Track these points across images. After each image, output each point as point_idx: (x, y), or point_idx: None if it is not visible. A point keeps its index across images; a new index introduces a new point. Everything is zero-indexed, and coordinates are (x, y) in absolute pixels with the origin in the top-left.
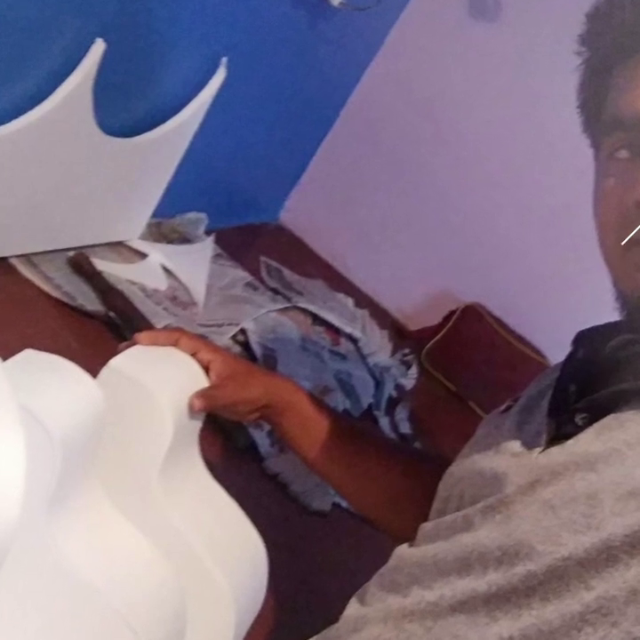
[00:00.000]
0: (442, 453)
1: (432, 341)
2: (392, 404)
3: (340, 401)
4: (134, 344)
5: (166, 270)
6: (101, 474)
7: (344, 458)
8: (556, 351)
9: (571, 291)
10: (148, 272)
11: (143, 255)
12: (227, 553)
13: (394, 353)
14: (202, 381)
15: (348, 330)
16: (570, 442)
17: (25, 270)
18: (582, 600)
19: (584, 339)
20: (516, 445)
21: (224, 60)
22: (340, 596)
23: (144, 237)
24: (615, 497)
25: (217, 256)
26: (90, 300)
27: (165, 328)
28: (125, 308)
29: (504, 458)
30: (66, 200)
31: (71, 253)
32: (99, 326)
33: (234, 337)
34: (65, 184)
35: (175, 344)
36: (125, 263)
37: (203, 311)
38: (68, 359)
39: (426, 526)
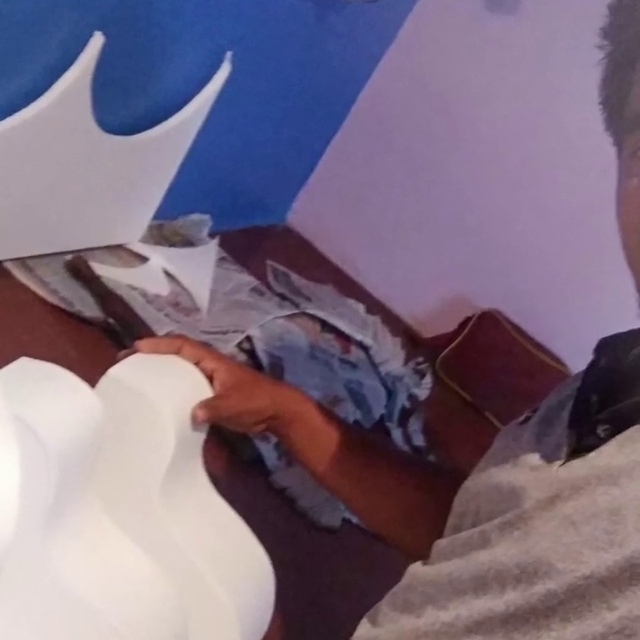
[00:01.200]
0: (457, 467)
1: (447, 349)
2: (405, 415)
3: (350, 412)
4: (134, 352)
5: (168, 275)
6: (100, 488)
7: (354, 471)
8: (577, 359)
9: (592, 295)
10: (149, 276)
11: (144, 259)
12: (231, 571)
13: (407, 361)
14: (205, 391)
15: (358, 337)
16: (591, 454)
17: (20, 274)
18: (604, 621)
19: (606, 346)
20: (534, 458)
21: (229, 54)
22: (350, 617)
23: (145, 240)
24: (639, 513)
25: (221, 260)
26: (88, 306)
27: (167, 335)
28: (125, 315)
29: (522, 471)
30: (63, 201)
31: (68, 257)
32: (97, 333)
33: (239, 344)
34: (62, 184)
35: (177, 352)
36: (125, 267)
37: (206, 317)
38: (66, 368)
39: (440, 543)
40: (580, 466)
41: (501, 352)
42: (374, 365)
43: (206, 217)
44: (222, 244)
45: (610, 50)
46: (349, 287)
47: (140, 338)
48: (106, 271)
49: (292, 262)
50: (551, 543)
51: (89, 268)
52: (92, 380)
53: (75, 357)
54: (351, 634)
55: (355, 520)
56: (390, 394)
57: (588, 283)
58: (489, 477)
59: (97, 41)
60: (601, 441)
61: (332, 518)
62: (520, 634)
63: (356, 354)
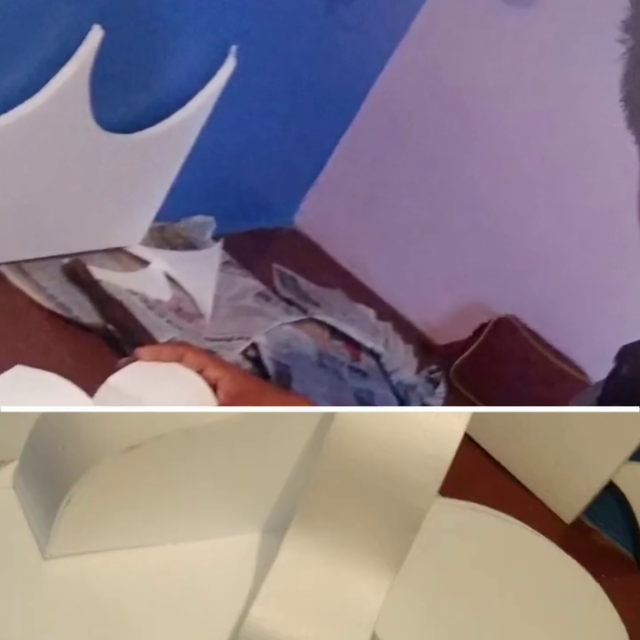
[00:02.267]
0: None
1: (462, 357)
2: None
3: None
4: (135, 360)
5: (170, 279)
6: None
7: None
8: (598, 368)
9: (613, 301)
10: (151, 281)
11: (145, 262)
12: None
13: (419, 370)
14: (209, 401)
15: (369, 344)
16: None
17: (15, 279)
18: None
19: (628, 354)
20: None
21: (233, 48)
22: None
23: (146, 243)
24: None
25: (226, 263)
26: (86, 312)
27: (169, 342)
28: (125, 321)
29: None
30: (60, 202)
31: (66, 261)
32: (96, 340)
33: (244, 352)
34: (59, 185)
35: (180, 360)
36: (125, 271)
37: (210, 324)
38: (63, 376)
39: None
40: None
41: (518, 360)
42: (385, 374)
43: (210, 219)
44: (226, 247)
45: (632, 44)
46: (359, 292)
47: (141, 345)
48: (105, 275)
49: (300, 266)
50: None
51: (87, 273)
52: (90, 390)
53: (72, 365)
54: None
55: None
56: (402, 403)
57: (608, 287)
58: None
59: (95, 34)
60: None
61: None
62: None
63: (366, 362)
